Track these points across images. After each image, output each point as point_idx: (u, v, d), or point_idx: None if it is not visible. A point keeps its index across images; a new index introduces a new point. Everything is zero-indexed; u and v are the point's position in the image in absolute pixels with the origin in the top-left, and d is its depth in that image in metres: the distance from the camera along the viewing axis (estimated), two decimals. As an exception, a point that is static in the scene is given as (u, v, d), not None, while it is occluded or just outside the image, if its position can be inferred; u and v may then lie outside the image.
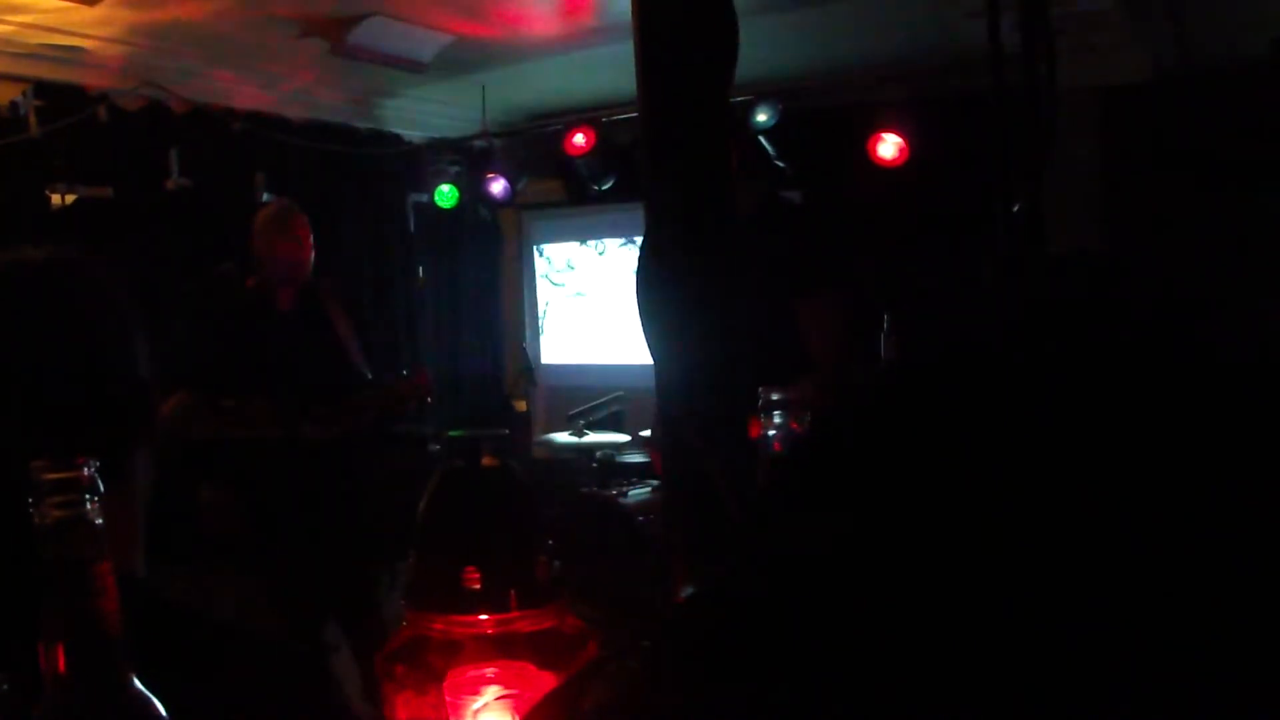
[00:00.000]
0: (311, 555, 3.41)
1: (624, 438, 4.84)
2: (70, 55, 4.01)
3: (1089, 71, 3.91)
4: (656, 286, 1.43)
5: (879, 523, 0.54)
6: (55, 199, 4.13)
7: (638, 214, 1.46)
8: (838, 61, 4.80)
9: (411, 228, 6.05)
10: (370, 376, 3.57)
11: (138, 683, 0.61)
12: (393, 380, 3.68)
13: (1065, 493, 0.51)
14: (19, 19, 3.68)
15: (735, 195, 1.47)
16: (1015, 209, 1.67)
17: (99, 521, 0.59)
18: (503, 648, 1.26)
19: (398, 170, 5.78)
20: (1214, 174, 3.81)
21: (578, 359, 6.53)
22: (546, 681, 1.22)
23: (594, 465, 4.57)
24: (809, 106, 4.86)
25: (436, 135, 5.88)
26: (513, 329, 6.67)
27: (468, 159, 5.96)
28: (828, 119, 4.91)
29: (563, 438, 4.91)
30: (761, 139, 4.58)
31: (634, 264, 1.47)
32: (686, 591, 1.44)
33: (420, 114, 5.65)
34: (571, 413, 5.05)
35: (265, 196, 4.76)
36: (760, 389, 1.28)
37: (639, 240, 1.49)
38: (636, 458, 4.63)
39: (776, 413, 1.27)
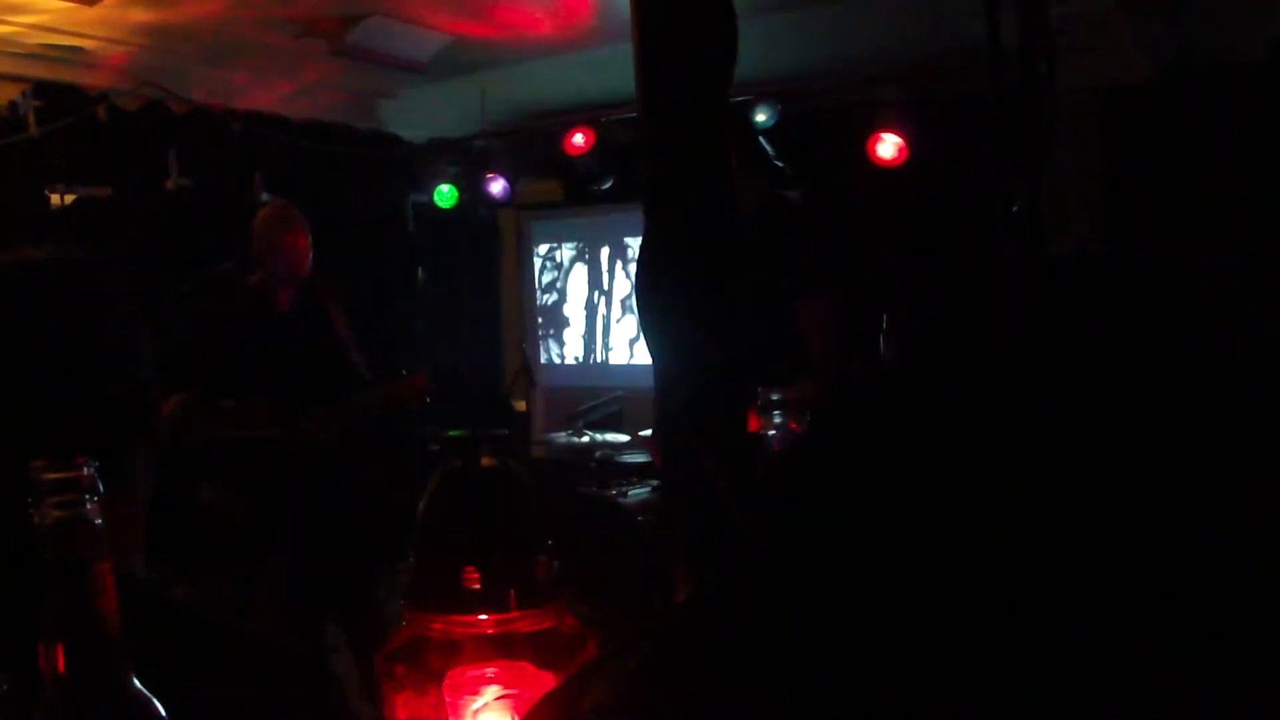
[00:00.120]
0: (311, 555, 3.41)
1: (623, 438, 4.83)
2: (70, 55, 4.01)
3: (1089, 72, 3.90)
4: (656, 287, 1.43)
5: (878, 523, 0.54)
6: (55, 199, 4.13)
7: (637, 214, 1.46)
8: (837, 61, 4.80)
9: (411, 228, 6.05)
10: (369, 377, 3.57)
11: (138, 683, 0.61)
12: (392, 380, 3.67)
13: (1065, 492, 0.51)
14: (19, 19, 3.68)
15: (735, 195, 1.47)
16: (1015, 209, 1.67)
17: (99, 521, 0.59)
18: (502, 648, 1.26)
19: (397, 170, 5.78)
20: (1214, 174, 3.81)
21: (577, 359, 6.53)
22: (546, 681, 1.22)
23: (593, 465, 4.57)
24: (808, 106, 4.86)
25: (436, 135, 5.88)
26: (512, 329, 6.67)
27: (467, 159, 5.96)
28: (827, 119, 4.91)
29: (562, 438, 4.90)
30: (761, 139, 4.58)
31: (633, 264, 1.47)
32: (686, 591, 1.44)
33: (419, 114, 5.65)
34: (571, 413, 5.05)
35: (265, 196, 4.76)
36: (760, 389, 1.28)
37: (639, 240, 1.49)
38: (636, 458, 4.63)
39: (776, 413, 1.27)
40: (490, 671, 1.24)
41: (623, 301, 6.30)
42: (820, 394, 2.64)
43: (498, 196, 5.76)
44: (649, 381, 1.48)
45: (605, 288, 6.41)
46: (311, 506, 3.40)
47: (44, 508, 0.58)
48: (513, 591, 1.27)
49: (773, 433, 1.29)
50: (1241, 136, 3.79)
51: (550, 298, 6.67)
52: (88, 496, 0.59)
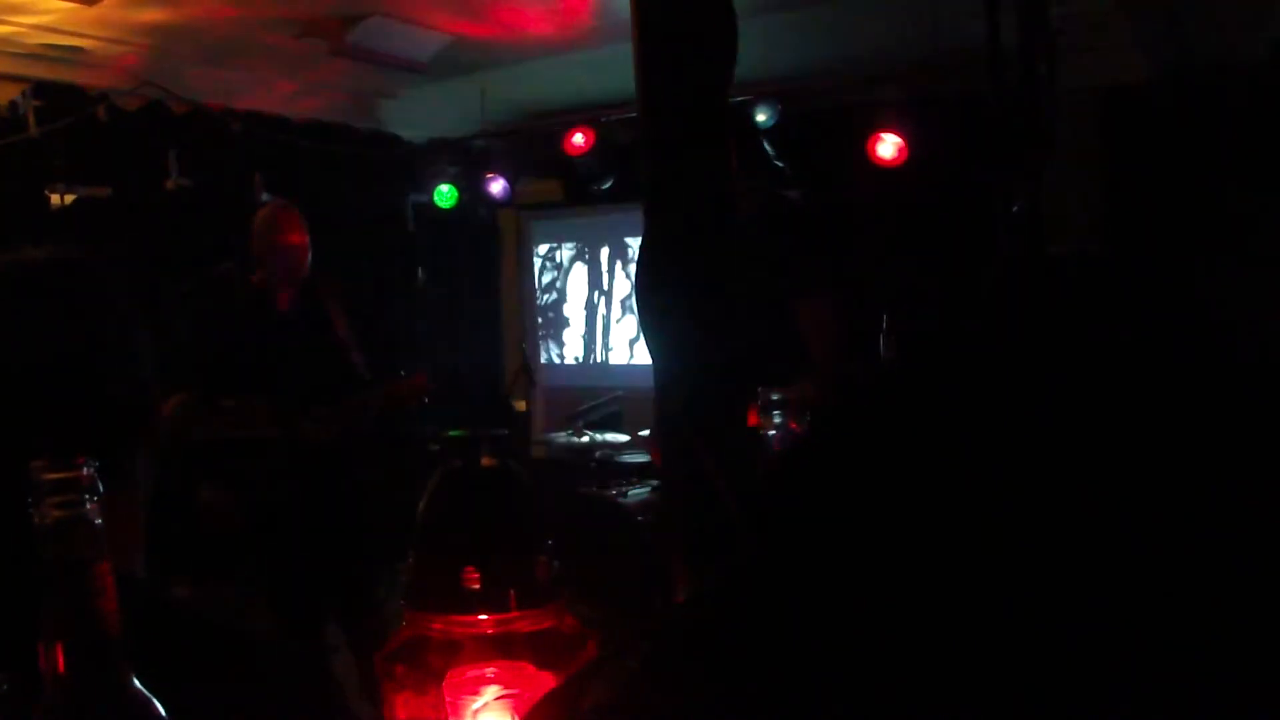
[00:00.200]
0: (311, 555, 3.41)
1: (623, 438, 4.84)
2: (70, 55, 4.01)
3: (1089, 72, 3.91)
4: (656, 287, 1.43)
5: (878, 523, 0.54)
6: (55, 199, 4.13)
7: (637, 214, 1.46)
8: (837, 61, 4.80)
9: (411, 228, 6.06)
10: (369, 377, 3.57)
11: (137, 683, 0.61)
12: (391, 381, 3.67)
13: (1065, 492, 0.51)
14: (19, 19, 3.68)
15: (735, 195, 1.47)
16: (1015, 209, 1.67)
17: (99, 521, 0.59)
18: (502, 648, 1.26)
19: (397, 170, 5.78)
20: (1214, 174, 3.81)
21: (577, 359, 6.53)
22: (546, 681, 1.22)
23: (593, 465, 4.57)
24: (808, 106, 4.86)
25: (436, 135, 5.88)
26: (512, 329, 6.67)
27: (467, 159, 5.96)
28: (827, 119, 4.91)
29: (562, 438, 4.90)
30: (761, 139, 4.58)
31: (633, 264, 1.47)
32: (686, 591, 1.44)
33: (419, 114, 5.65)
34: (571, 413, 5.05)
35: (264, 196, 4.76)
36: (760, 389, 1.28)
37: (639, 240, 1.49)
38: (636, 458, 4.63)
39: (776, 413, 1.27)
40: (490, 671, 1.24)
41: (623, 301, 6.30)
42: (820, 394, 2.64)
43: (498, 196, 5.76)
44: (649, 381, 1.48)
45: (605, 288, 6.41)
46: (311, 506, 3.40)
47: (44, 508, 0.58)
48: (513, 591, 1.27)
49: (773, 433, 1.29)
50: (1241, 136, 3.79)
51: (550, 298, 6.67)
52: (88, 496, 0.59)
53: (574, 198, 6.05)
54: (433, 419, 4.87)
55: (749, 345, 1.47)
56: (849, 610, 0.53)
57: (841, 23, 4.26)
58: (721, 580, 0.63)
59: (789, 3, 3.92)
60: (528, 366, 5.79)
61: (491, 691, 1.22)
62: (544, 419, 6.29)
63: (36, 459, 0.58)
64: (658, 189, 1.46)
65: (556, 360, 6.63)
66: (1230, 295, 0.56)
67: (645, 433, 4.46)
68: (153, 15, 3.80)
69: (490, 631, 1.27)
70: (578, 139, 5.18)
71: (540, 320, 6.70)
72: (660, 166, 1.44)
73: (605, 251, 6.38)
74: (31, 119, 4.04)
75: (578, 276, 6.54)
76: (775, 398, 1.27)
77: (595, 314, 6.46)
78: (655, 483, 4.24)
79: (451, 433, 1.46)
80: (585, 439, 4.78)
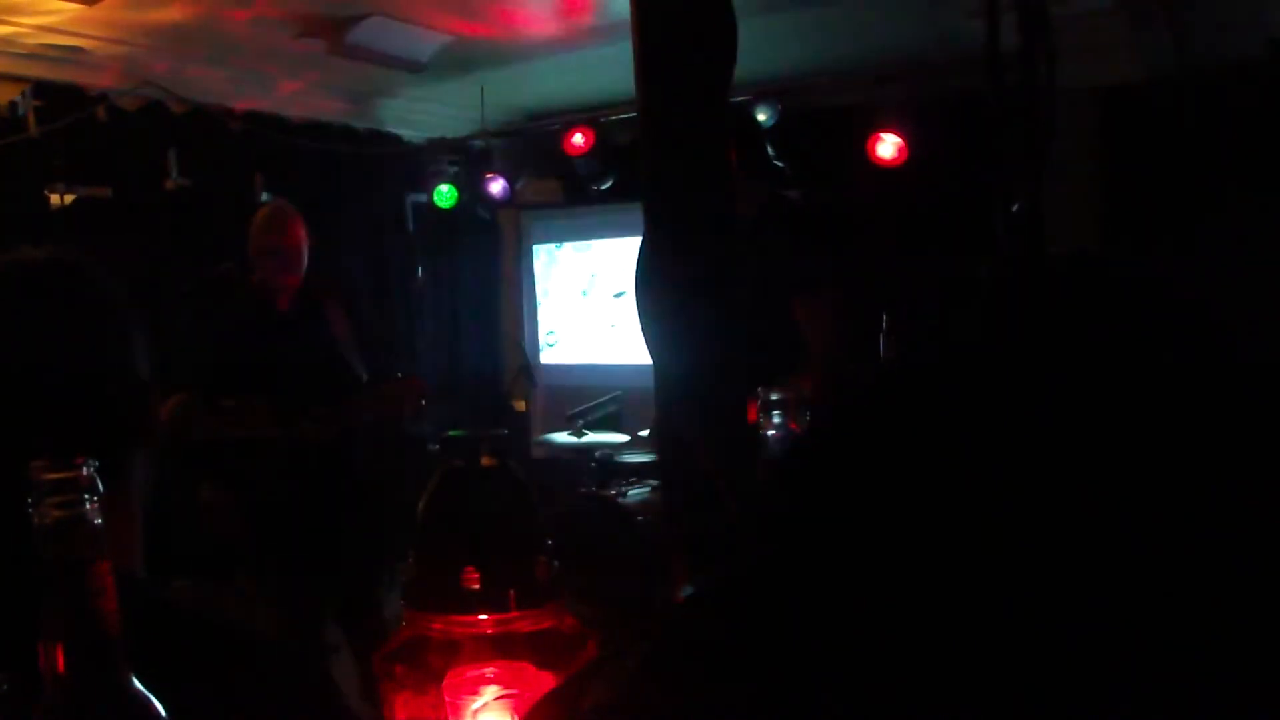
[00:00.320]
0: (311, 555, 3.41)
1: (623, 438, 4.84)
2: (69, 55, 4.00)
3: (1088, 72, 3.90)
4: (656, 287, 1.43)
5: (878, 523, 0.54)
6: (54, 199, 4.13)
7: (637, 214, 1.46)
8: (837, 61, 4.80)
9: (410, 228, 6.05)
10: (365, 378, 3.57)
11: (137, 683, 0.61)
12: (387, 383, 3.67)
13: (1065, 493, 0.51)
14: (19, 19, 3.68)
15: (735, 195, 1.47)
16: (1015, 209, 1.67)
17: (98, 521, 0.59)
18: (502, 648, 1.26)
19: (396, 170, 5.78)
20: (1212, 174, 3.82)
21: (576, 359, 6.53)
22: (545, 681, 1.22)
23: (593, 465, 4.57)
24: (808, 106, 4.86)
25: (435, 135, 5.88)
26: (511, 329, 6.67)
27: (466, 159, 5.96)
28: (827, 119, 4.91)
29: (562, 438, 4.90)
30: (761, 139, 4.58)
31: (633, 264, 1.47)
32: (686, 591, 1.44)
33: (419, 114, 5.65)
34: (570, 412, 5.05)
35: (264, 196, 4.76)
36: (760, 389, 1.28)
37: (638, 240, 1.49)
38: (636, 458, 4.63)
39: (776, 412, 1.27)
40: (490, 671, 1.24)
41: (623, 301, 6.30)
42: (819, 393, 2.64)
43: (497, 196, 5.76)
44: (649, 381, 1.48)
45: (605, 288, 6.41)
46: (311, 506, 3.40)
47: (44, 508, 0.58)
48: (512, 591, 1.27)
49: (773, 432, 1.29)
50: (1241, 136, 3.79)
51: (550, 297, 6.67)
52: (87, 496, 0.59)
53: (574, 198, 6.05)
54: (432, 419, 4.87)
55: (748, 344, 1.47)
56: (849, 610, 0.53)
57: (841, 23, 4.26)
58: (721, 580, 0.63)
59: (789, 3, 3.92)
60: (528, 366, 5.78)
61: (491, 691, 1.22)
62: (544, 419, 6.28)
63: (36, 459, 0.58)
64: (658, 189, 1.46)
65: (556, 360, 6.62)
66: (1230, 295, 0.56)
67: (645, 433, 4.47)
68: (152, 15, 3.80)
69: (490, 631, 1.27)
70: (578, 139, 5.18)
71: (540, 320, 6.70)
72: (660, 166, 1.44)
73: (605, 251, 6.38)
74: (31, 119, 4.04)
75: (577, 276, 6.54)
76: (775, 397, 1.27)
77: (595, 314, 6.46)
78: (655, 483, 4.24)
79: (451, 433, 1.46)
80: (585, 439, 4.78)
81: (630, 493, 4.21)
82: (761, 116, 4.60)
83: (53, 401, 0.86)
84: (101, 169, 4.31)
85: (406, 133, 5.78)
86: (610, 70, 4.36)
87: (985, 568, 0.51)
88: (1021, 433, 0.52)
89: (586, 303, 6.50)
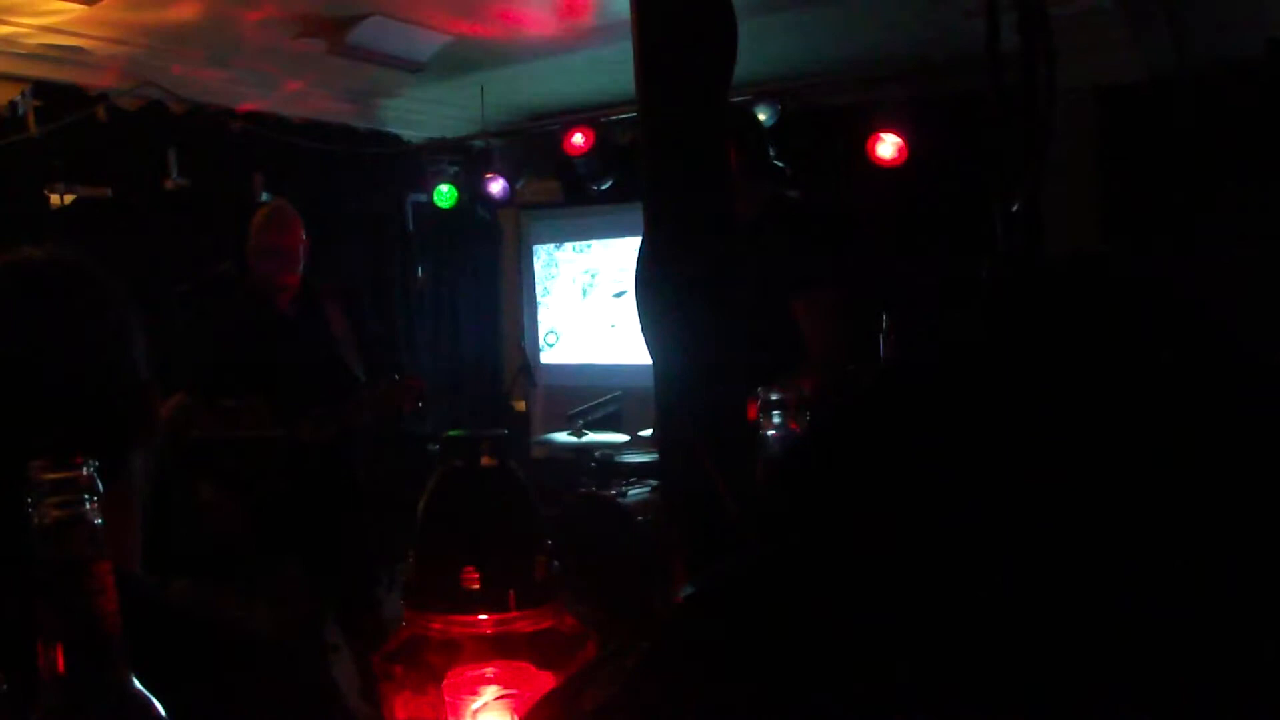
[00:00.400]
0: (311, 555, 3.41)
1: (623, 437, 4.84)
2: (69, 55, 4.01)
3: (1088, 71, 3.91)
4: (655, 286, 1.43)
5: (878, 523, 0.55)
6: (54, 199, 4.13)
7: (637, 214, 1.46)
8: (837, 61, 4.80)
9: (410, 228, 6.05)
10: (363, 379, 3.56)
11: (137, 683, 0.61)
12: (385, 384, 3.67)
13: (1065, 492, 0.51)
14: (19, 19, 3.68)
15: (735, 195, 1.47)
16: (1015, 209, 1.67)
17: (98, 521, 0.59)
18: (501, 647, 1.26)
19: (396, 170, 5.78)
20: (1212, 174, 3.82)
21: (576, 359, 6.53)
22: (545, 681, 1.22)
23: (593, 465, 4.57)
24: (808, 106, 4.87)
25: (435, 135, 5.88)
26: (511, 329, 6.67)
27: (466, 159, 5.96)
28: (827, 119, 4.92)
29: (562, 437, 4.91)
30: (762, 139, 4.58)
31: (633, 264, 1.47)
32: (686, 591, 1.44)
33: (419, 114, 5.65)
34: (570, 412, 5.05)
35: (264, 196, 4.76)
36: (760, 389, 1.28)
37: (638, 240, 1.49)
38: (636, 458, 4.63)
39: (776, 412, 1.27)
40: (490, 671, 1.24)
41: (623, 301, 6.30)
42: (819, 393, 2.64)
43: (497, 196, 5.76)
44: (649, 381, 1.48)
45: (605, 287, 6.41)
46: (311, 506, 3.40)
47: (43, 508, 0.58)
48: (512, 591, 1.26)
49: (773, 433, 1.29)
50: (1240, 136, 3.79)
51: (550, 297, 6.67)
52: (87, 496, 0.59)
53: (574, 198, 6.05)
54: (431, 419, 4.87)
55: (748, 345, 1.47)
56: (848, 610, 0.53)
57: (841, 23, 4.26)
58: (721, 580, 0.63)
59: (789, 3, 3.92)
60: (528, 366, 5.78)
61: (491, 691, 1.22)
62: (544, 419, 6.28)
63: (36, 459, 0.58)
64: (658, 189, 1.46)
65: (556, 360, 6.63)
66: (1229, 294, 0.56)
67: (646, 433, 4.47)
68: (153, 15, 3.80)
69: (490, 631, 1.26)
70: (578, 139, 5.18)
71: (540, 320, 6.70)
72: (660, 166, 1.44)
73: (605, 251, 6.38)
74: (31, 119, 4.04)
75: (577, 276, 6.54)
76: (775, 397, 1.27)
77: (595, 314, 6.46)
78: (655, 483, 4.24)
79: (451, 433, 1.46)
80: (584, 439, 4.78)
81: (630, 493, 4.21)
82: (761, 116, 4.61)
83: (53, 401, 0.86)
84: (101, 169, 4.31)
85: (406, 133, 5.79)
86: (610, 70, 4.37)
87: (985, 567, 0.51)
88: (1021, 432, 0.53)
89: (586, 303, 6.50)
